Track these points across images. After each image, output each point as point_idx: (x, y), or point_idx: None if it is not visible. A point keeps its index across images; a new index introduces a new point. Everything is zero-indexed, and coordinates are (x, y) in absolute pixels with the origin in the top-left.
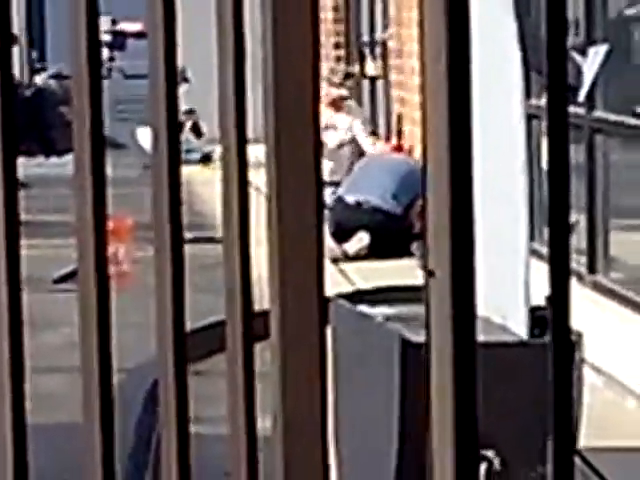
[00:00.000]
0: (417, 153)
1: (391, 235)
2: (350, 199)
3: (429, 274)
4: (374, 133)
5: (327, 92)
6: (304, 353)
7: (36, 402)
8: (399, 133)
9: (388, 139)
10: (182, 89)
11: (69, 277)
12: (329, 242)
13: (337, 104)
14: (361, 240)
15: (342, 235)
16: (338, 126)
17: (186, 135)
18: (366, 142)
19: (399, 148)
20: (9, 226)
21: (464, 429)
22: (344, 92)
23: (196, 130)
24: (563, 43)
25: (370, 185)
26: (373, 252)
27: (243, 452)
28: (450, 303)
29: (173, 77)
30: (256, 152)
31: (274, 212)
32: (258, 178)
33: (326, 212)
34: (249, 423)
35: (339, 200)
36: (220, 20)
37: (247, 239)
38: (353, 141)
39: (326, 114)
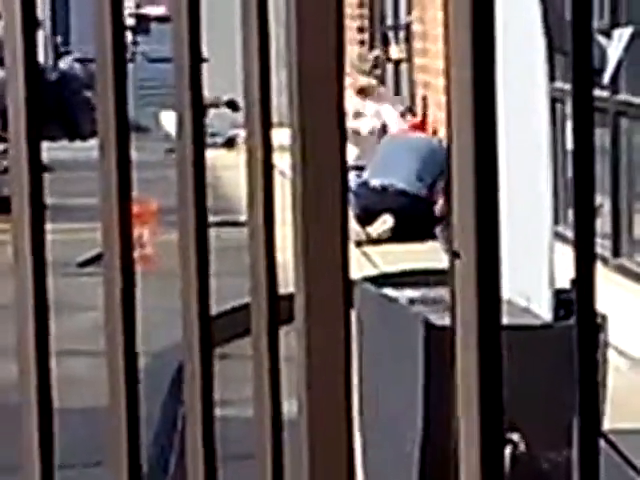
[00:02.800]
0: (441, 135)
1: (416, 218)
2: (375, 183)
3: (454, 255)
4: (403, 114)
5: (355, 79)
6: (329, 336)
7: (61, 386)
8: (423, 116)
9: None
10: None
11: (93, 261)
12: (352, 225)
13: (366, 91)
14: (385, 222)
15: (367, 219)
16: (367, 113)
17: (221, 111)
18: (395, 125)
19: (421, 126)
20: (34, 210)
21: (489, 412)
22: (373, 81)
23: (232, 105)
24: (588, 25)
25: (395, 168)
26: (397, 235)
27: (268, 435)
28: (475, 284)
29: (197, 60)
30: (280, 136)
31: (298, 196)
32: (283, 162)
33: (350, 196)
34: (274, 406)
35: (364, 184)
36: (244, 4)
37: (272, 223)
38: (383, 127)
39: (354, 101)
